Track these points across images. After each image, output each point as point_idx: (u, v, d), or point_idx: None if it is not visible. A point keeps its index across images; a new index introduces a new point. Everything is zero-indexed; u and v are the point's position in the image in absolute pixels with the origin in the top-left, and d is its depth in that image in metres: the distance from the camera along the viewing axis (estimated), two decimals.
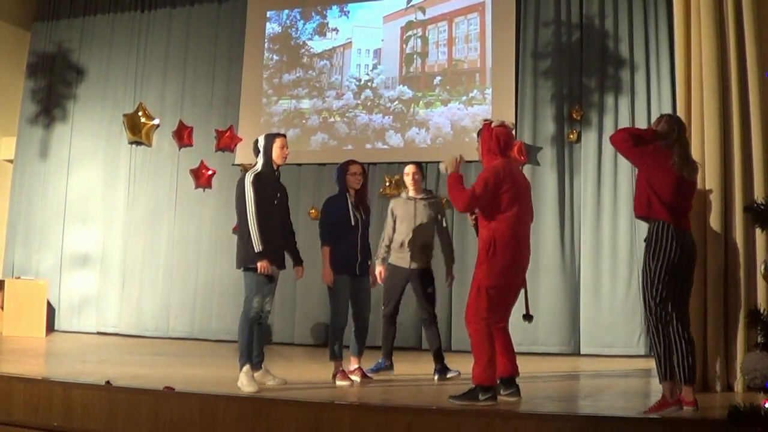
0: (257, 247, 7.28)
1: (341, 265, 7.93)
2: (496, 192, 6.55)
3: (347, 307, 8.02)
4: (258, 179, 7.48)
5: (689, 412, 5.91)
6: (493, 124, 6.99)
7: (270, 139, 7.70)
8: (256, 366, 7.62)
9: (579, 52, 11.71)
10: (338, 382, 7.79)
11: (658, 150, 6.28)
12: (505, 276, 6.54)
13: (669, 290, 6.09)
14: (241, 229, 7.49)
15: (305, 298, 12.20)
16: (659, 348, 6.12)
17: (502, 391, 6.65)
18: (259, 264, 7.31)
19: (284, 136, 7.87)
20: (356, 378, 7.98)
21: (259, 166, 7.62)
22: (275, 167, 7.69)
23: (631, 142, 6.36)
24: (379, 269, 8.66)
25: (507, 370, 6.72)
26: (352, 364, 8.08)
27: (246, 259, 7.43)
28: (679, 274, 6.14)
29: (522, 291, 6.81)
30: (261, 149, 7.65)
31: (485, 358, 6.40)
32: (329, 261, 7.92)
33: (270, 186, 7.59)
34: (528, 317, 6.83)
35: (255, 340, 7.59)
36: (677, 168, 6.20)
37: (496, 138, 6.85)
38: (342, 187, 8.17)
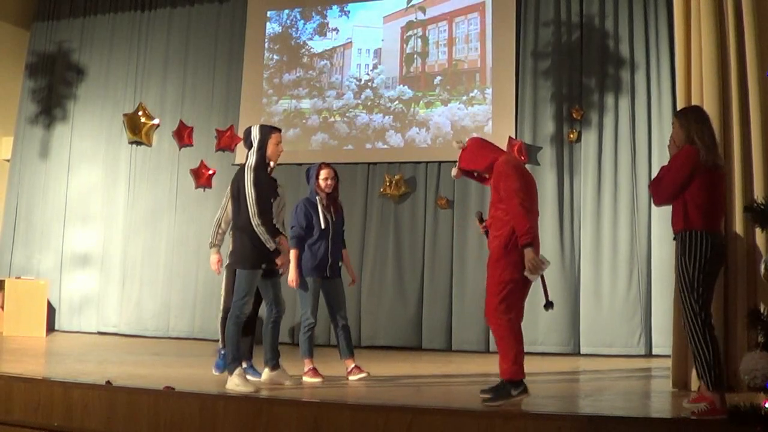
0: (270, 245, 7.13)
1: (311, 267, 8.04)
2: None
3: (316, 307, 8.11)
4: (257, 176, 7.19)
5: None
6: (460, 146, 6.88)
7: (266, 133, 7.36)
8: (275, 366, 7.59)
9: (579, 52, 11.72)
10: (305, 379, 7.88)
11: (687, 157, 6.19)
12: (521, 268, 6.45)
13: (706, 292, 6.08)
14: (238, 226, 7.32)
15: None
16: (707, 353, 5.92)
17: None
18: (278, 261, 7.25)
19: (280, 130, 7.54)
20: (355, 377, 7.99)
21: (252, 161, 7.27)
22: (269, 163, 7.41)
23: (662, 187, 6.32)
24: (217, 257, 8.78)
25: None
26: (349, 365, 8.10)
27: (240, 260, 7.28)
28: (712, 276, 6.15)
29: (540, 281, 6.73)
30: (255, 143, 7.32)
31: (513, 353, 6.33)
32: (296, 264, 8.01)
33: (266, 183, 7.31)
34: (549, 305, 6.68)
35: (271, 339, 7.58)
36: (704, 162, 6.13)
37: (482, 142, 6.88)
38: (312, 190, 8.21)
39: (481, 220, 6.99)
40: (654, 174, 10.76)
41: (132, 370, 8.37)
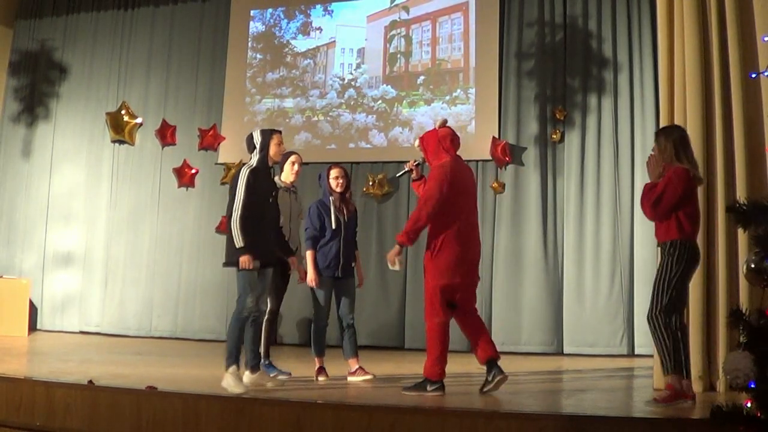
0: (238, 242, 7.11)
1: (323, 268, 8.07)
2: (450, 187, 6.86)
3: (328, 307, 8.16)
4: (254, 175, 7.26)
5: (689, 404, 6.24)
6: (436, 126, 7.28)
7: (267, 135, 7.48)
8: (254, 368, 7.54)
9: (562, 53, 11.76)
10: (320, 379, 7.94)
11: (681, 178, 6.41)
12: (454, 273, 6.85)
13: (678, 294, 6.41)
14: (229, 225, 7.32)
15: (288, 297, 12.11)
16: (668, 344, 6.32)
17: (488, 376, 6.80)
18: (240, 259, 7.14)
19: (280, 132, 7.65)
20: (358, 378, 8.00)
21: (254, 162, 7.39)
22: (270, 164, 7.52)
23: (661, 207, 6.45)
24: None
25: (486, 354, 6.90)
26: (352, 366, 8.11)
27: (232, 256, 7.26)
28: (686, 280, 6.52)
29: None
30: (257, 145, 7.44)
31: (435, 355, 6.88)
32: (312, 264, 8.06)
33: (266, 182, 7.41)
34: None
35: (250, 341, 7.52)
36: (693, 175, 6.49)
37: (443, 139, 7.13)
38: (324, 192, 8.25)
39: (418, 165, 7.55)
40: (636, 175, 10.92)
41: (114, 370, 8.33)
